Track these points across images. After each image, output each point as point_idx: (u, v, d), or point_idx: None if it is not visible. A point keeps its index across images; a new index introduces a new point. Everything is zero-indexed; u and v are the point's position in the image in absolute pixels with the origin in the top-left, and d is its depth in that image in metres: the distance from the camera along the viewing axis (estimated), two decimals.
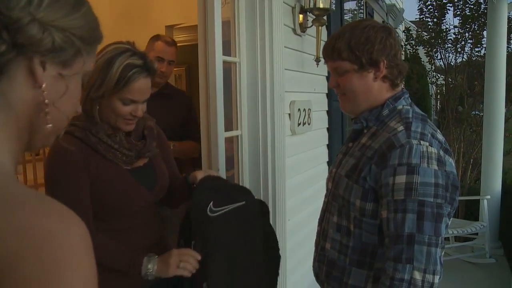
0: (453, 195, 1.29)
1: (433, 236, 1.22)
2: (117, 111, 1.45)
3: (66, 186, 1.40)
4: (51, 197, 0.54)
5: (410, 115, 1.36)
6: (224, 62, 2.16)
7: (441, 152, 1.29)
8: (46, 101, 0.60)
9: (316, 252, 1.56)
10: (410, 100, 1.44)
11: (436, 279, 1.21)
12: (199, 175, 1.61)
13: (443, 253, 1.26)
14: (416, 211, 1.22)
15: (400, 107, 1.40)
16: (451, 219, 1.35)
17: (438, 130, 1.40)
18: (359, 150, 1.39)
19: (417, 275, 1.20)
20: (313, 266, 1.57)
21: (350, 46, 1.36)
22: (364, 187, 1.32)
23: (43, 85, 0.59)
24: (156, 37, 2.61)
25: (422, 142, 1.27)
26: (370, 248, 1.35)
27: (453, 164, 1.32)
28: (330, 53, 1.41)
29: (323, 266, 1.49)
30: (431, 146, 1.27)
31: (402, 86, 1.47)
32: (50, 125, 0.62)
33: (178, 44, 6.06)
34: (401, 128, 1.32)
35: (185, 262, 1.45)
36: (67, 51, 0.60)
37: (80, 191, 1.41)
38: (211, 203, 1.51)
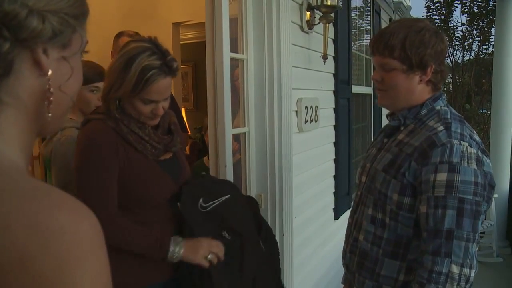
0: (489, 194, 1.33)
1: (471, 232, 1.27)
2: (138, 109, 1.48)
3: (96, 170, 1.43)
4: (62, 190, 0.52)
5: (449, 116, 1.40)
6: (232, 59, 2.17)
7: (479, 153, 1.33)
8: (52, 89, 0.58)
9: (348, 243, 1.60)
10: (446, 101, 1.49)
11: (472, 273, 1.27)
12: None
13: (477, 248, 1.32)
14: (456, 208, 1.27)
15: (438, 107, 1.44)
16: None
17: (475, 132, 1.43)
18: (396, 146, 1.43)
19: (455, 269, 1.25)
20: (344, 257, 1.62)
21: (404, 46, 1.37)
22: (403, 182, 1.37)
23: (49, 73, 0.58)
24: (120, 34, 2.64)
25: (462, 142, 1.32)
26: (405, 240, 1.40)
27: (490, 164, 1.37)
28: (382, 49, 1.42)
29: (355, 257, 1.52)
30: (471, 147, 1.32)
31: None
32: (50, 115, 0.60)
33: (184, 42, 6.04)
34: (441, 128, 1.36)
35: (214, 256, 1.49)
36: (65, 32, 0.59)
37: (109, 176, 1.44)
38: (201, 200, 1.56)
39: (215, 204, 1.59)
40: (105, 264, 0.51)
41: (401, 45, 1.38)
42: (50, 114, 0.60)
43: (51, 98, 0.59)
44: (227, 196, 1.65)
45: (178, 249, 1.45)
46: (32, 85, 0.58)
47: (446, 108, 1.44)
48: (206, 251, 1.47)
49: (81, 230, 0.49)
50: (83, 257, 0.48)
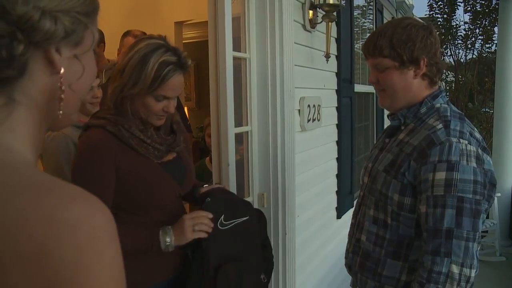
0: (490, 192, 1.32)
1: (471, 232, 1.26)
2: (150, 107, 1.46)
3: (91, 181, 1.40)
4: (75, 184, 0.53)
5: (448, 114, 1.39)
6: (234, 58, 2.17)
7: (479, 151, 1.32)
8: (63, 87, 0.59)
9: (350, 244, 1.60)
10: (447, 99, 1.48)
11: (473, 273, 1.26)
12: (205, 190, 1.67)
13: (479, 247, 1.31)
14: (455, 207, 1.26)
15: (438, 105, 1.43)
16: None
17: (476, 129, 1.43)
18: (397, 146, 1.43)
19: (455, 269, 1.25)
20: (346, 258, 1.62)
21: (392, 44, 1.39)
22: (403, 182, 1.36)
23: (62, 71, 0.58)
24: (126, 33, 2.64)
25: (461, 140, 1.30)
26: (407, 240, 1.39)
27: (491, 162, 1.35)
28: (372, 50, 1.44)
29: (357, 257, 1.53)
30: (470, 144, 1.30)
31: (440, 84, 1.50)
32: (61, 112, 0.61)
33: (187, 41, 6.04)
34: (440, 126, 1.35)
35: (200, 224, 1.46)
36: (77, 31, 0.59)
37: (103, 188, 1.41)
38: (222, 216, 1.55)
39: (233, 223, 1.57)
40: (120, 255, 0.51)
41: (389, 43, 1.39)
42: (61, 112, 0.61)
43: (62, 96, 0.60)
44: (246, 217, 1.63)
45: (169, 238, 1.43)
46: (45, 84, 0.58)
47: (446, 106, 1.44)
48: (190, 223, 1.45)
49: (97, 221, 0.49)
50: (100, 248, 0.48)
